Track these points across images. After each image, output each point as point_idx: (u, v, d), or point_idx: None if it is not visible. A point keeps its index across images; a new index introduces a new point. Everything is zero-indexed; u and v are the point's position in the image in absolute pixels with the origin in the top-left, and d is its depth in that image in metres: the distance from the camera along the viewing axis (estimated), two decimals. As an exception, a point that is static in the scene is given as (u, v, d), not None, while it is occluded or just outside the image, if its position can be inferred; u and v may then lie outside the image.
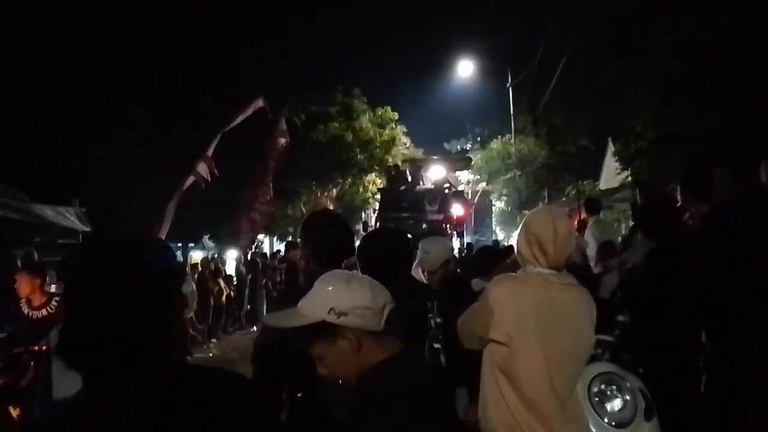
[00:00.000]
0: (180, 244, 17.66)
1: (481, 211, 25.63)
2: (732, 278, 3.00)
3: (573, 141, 20.50)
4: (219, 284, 13.18)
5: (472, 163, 21.83)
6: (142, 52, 20.26)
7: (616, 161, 14.76)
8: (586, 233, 7.71)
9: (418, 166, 17.86)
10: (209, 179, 11.13)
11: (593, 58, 15.93)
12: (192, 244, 18.86)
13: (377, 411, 1.48)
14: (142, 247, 1.24)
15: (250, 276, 14.19)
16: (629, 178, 13.86)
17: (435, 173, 17.33)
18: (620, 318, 3.95)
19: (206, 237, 19.46)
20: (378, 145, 20.04)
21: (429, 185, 16.55)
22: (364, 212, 21.39)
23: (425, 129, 28.53)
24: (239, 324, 14.21)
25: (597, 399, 3.37)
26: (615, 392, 3.39)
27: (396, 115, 21.21)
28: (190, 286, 7.74)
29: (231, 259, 15.59)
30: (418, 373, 1.60)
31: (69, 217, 8.89)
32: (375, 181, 20.23)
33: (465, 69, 21.13)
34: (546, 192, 19.20)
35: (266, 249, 20.77)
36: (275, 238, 21.62)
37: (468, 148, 23.77)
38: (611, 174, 16.93)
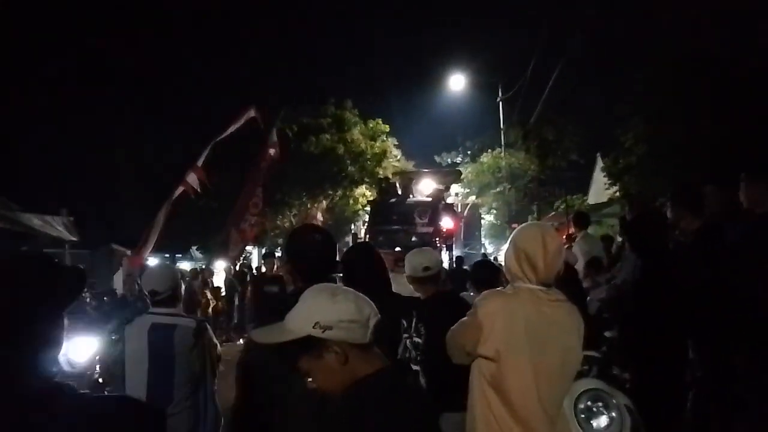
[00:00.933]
0: (168, 255, 17.55)
1: (471, 225, 25.66)
2: (722, 292, 3.02)
3: (563, 155, 20.65)
4: (206, 296, 13.07)
5: (463, 176, 21.90)
6: (133, 61, 20.24)
7: (605, 176, 14.88)
8: (575, 248, 7.73)
9: (408, 178, 17.87)
10: (199, 189, 11.09)
11: (584, 74, 16.13)
12: (179, 255, 18.73)
13: (363, 425, 1.47)
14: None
15: (239, 288, 14.10)
16: (618, 193, 13.97)
17: (425, 186, 17.36)
18: (608, 334, 3.96)
19: (194, 248, 19.34)
20: (369, 157, 20.06)
21: (420, 198, 16.57)
22: (354, 224, 21.36)
23: (416, 142, 28.66)
24: (226, 336, 14.11)
25: (584, 415, 3.37)
26: (602, 409, 3.39)
27: (387, 128, 21.28)
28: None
29: (219, 271, 15.49)
30: (405, 388, 1.59)
31: (57, 227, 8.78)
32: (365, 194, 20.23)
33: (456, 82, 21.28)
34: (536, 206, 19.28)
35: (255, 261, 20.67)
36: (264, 250, 21.52)
37: (458, 162, 23.86)
38: (600, 189, 17.08)
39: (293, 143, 18.04)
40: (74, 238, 9.19)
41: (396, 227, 14.34)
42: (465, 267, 10.56)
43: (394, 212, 15.19)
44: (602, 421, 3.36)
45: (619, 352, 3.78)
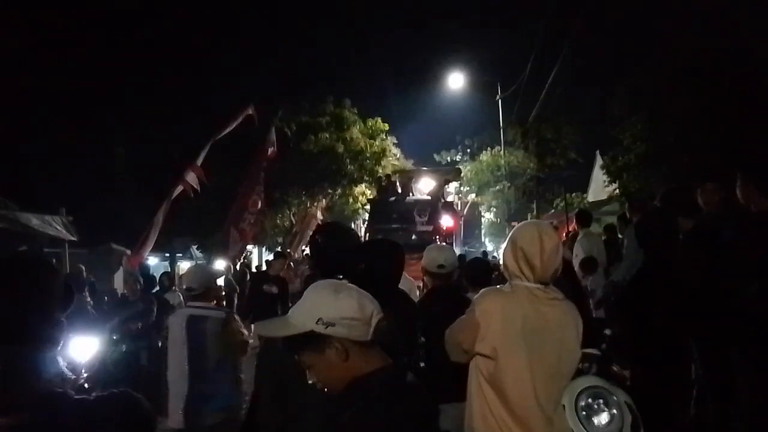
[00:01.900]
0: (168, 254, 17.54)
1: (471, 223, 25.68)
2: (717, 292, 3.02)
3: (562, 154, 20.66)
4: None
5: (462, 174, 21.92)
6: (131, 60, 20.22)
7: (604, 174, 14.88)
8: (576, 246, 7.73)
9: (408, 177, 17.88)
10: (198, 188, 11.08)
11: (582, 73, 16.13)
12: (180, 255, 18.72)
13: (361, 423, 1.48)
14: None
15: (238, 288, 14.07)
16: (617, 191, 13.96)
17: (425, 184, 17.36)
18: (607, 332, 3.96)
19: (194, 247, 19.32)
20: (368, 156, 20.06)
21: (420, 196, 16.57)
22: (354, 223, 21.36)
23: (415, 140, 28.62)
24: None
25: (584, 413, 3.37)
26: (602, 406, 3.40)
27: (386, 126, 21.28)
28: (177, 298, 7.68)
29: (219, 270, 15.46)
30: (405, 388, 1.60)
31: (56, 226, 8.77)
32: (365, 192, 20.23)
33: (455, 81, 21.29)
34: (535, 204, 19.30)
35: (255, 259, 20.67)
36: (264, 249, 21.52)
37: (458, 160, 23.87)
38: (599, 187, 17.07)
39: (292, 142, 18.04)
40: (73, 238, 9.19)
41: (395, 226, 14.33)
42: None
43: (394, 211, 15.19)
44: (603, 418, 3.37)
45: (619, 350, 3.78)
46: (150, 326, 6.86)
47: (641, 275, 3.65)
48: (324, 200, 20.05)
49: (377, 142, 20.69)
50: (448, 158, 23.90)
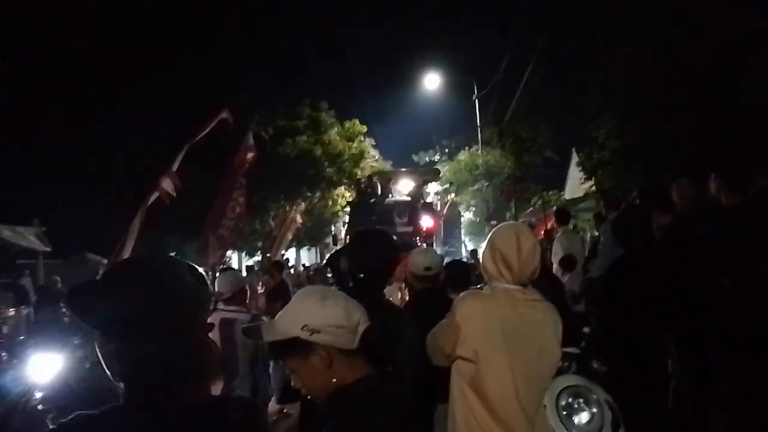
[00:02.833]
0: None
1: (450, 223, 25.73)
2: (690, 286, 3.07)
3: (538, 152, 20.85)
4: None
5: (441, 174, 22.00)
6: (102, 66, 19.90)
7: (580, 171, 15.05)
8: (555, 243, 7.82)
9: (386, 178, 17.88)
10: (174, 194, 10.93)
11: (555, 71, 16.30)
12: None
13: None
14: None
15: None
16: (593, 188, 14.14)
17: (404, 185, 17.38)
18: (585, 329, 4.00)
19: (172, 254, 19.08)
20: (347, 158, 20.03)
21: (399, 197, 16.58)
22: (334, 226, 21.30)
23: (393, 142, 28.70)
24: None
25: (565, 412, 3.40)
26: (582, 405, 3.43)
27: (364, 128, 21.27)
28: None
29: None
30: (390, 398, 1.58)
31: (28, 237, 8.64)
32: (344, 195, 20.19)
33: (431, 82, 21.35)
34: (513, 202, 19.44)
35: (234, 264, 20.48)
36: (243, 254, 21.35)
37: (436, 160, 23.96)
38: (576, 184, 17.28)
39: (269, 146, 17.92)
40: (47, 248, 9.05)
41: (376, 227, 14.32)
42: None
43: (374, 212, 15.18)
44: (583, 417, 3.40)
45: (598, 348, 3.82)
46: None
47: (615, 269, 3.70)
48: (303, 204, 19.96)
49: (355, 144, 20.67)
50: (427, 159, 23.94)
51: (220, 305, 4.14)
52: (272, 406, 5.72)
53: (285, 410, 6.48)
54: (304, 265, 23.56)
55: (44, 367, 4.29)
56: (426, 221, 14.97)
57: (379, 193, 16.59)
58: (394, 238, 13.76)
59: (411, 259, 3.63)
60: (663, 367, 3.48)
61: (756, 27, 9.35)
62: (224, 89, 18.93)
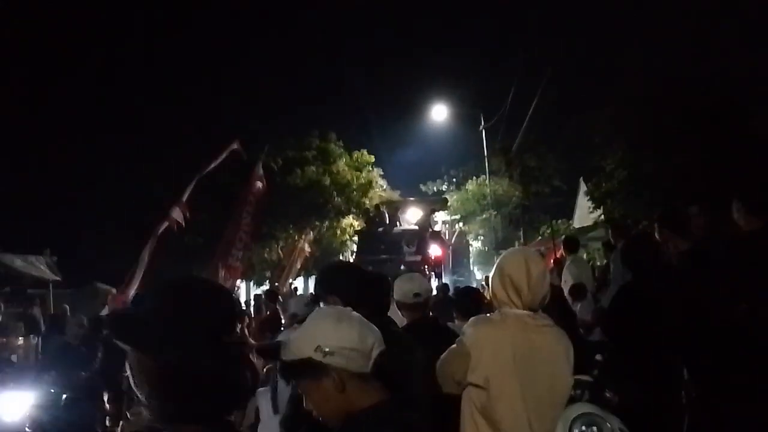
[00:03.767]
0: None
1: (459, 252, 25.66)
2: (710, 314, 3.04)
3: (546, 181, 20.86)
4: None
5: (449, 204, 22.02)
6: (113, 98, 20.29)
7: (588, 201, 15.02)
8: (564, 272, 7.74)
9: (395, 207, 17.92)
10: (184, 224, 11.03)
11: (563, 101, 16.43)
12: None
13: None
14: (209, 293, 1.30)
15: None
16: (602, 217, 14.09)
17: (412, 215, 17.40)
18: (598, 357, 3.95)
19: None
20: (355, 188, 20.14)
21: (407, 226, 16.58)
22: (342, 255, 21.28)
23: (401, 171, 28.78)
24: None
25: (578, 441, 3.34)
26: (596, 433, 3.37)
27: (372, 158, 21.42)
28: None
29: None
30: (403, 425, 1.54)
31: (39, 267, 8.70)
32: (352, 224, 20.23)
33: (439, 113, 21.51)
34: (521, 232, 19.39)
35: (243, 295, 20.45)
36: (252, 283, 21.32)
37: (444, 190, 24.01)
38: (584, 213, 17.22)
39: (278, 176, 18.08)
40: (57, 278, 9.10)
41: (384, 257, 14.29)
42: (451, 295, 10.49)
43: (382, 242, 15.17)
44: (597, 445, 3.34)
45: (611, 376, 3.76)
46: (95, 375, 5.87)
47: (622, 296, 3.67)
48: (312, 233, 20.01)
49: (363, 174, 20.81)
50: (434, 188, 24.03)
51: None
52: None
53: None
54: (311, 294, 23.45)
55: (12, 406, 3.99)
56: (434, 250, 14.94)
57: (387, 222, 16.61)
58: (402, 267, 13.68)
59: (398, 287, 3.37)
60: (677, 397, 3.42)
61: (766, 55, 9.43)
62: (234, 120, 19.23)
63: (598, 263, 12.40)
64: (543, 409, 2.25)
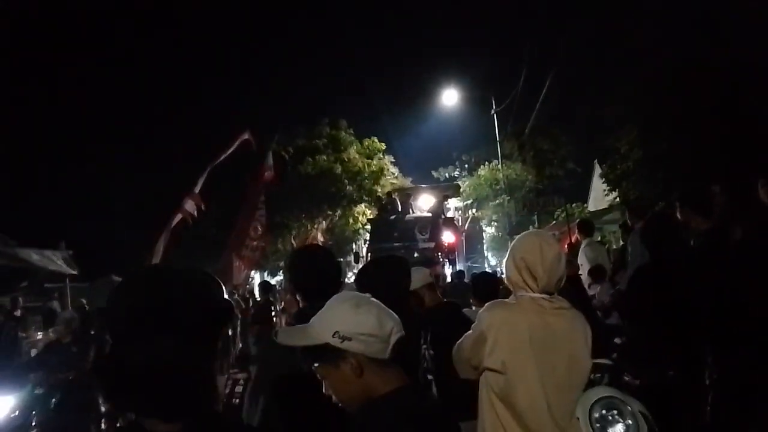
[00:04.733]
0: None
1: (472, 238, 25.57)
2: (732, 293, 2.97)
3: (560, 164, 20.68)
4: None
5: (461, 189, 21.92)
6: (126, 92, 20.40)
7: (603, 183, 14.87)
8: (580, 255, 7.67)
9: (407, 194, 17.88)
10: (197, 216, 11.06)
11: (575, 82, 16.22)
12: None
13: None
14: (191, 283, 1.25)
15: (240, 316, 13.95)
16: (617, 199, 13.95)
17: (424, 201, 17.34)
18: (617, 340, 3.89)
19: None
20: (366, 175, 20.13)
21: (420, 213, 16.54)
22: (355, 243, 21.33)
23: (412, 158, 28.77)
24: (227, 364, 13.90)
25: (599, 425, 3.29)
26: (616, 417, 3.31)
27: (383, 146, 21.38)
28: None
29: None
30: (422, 411, 1.54)
31: (56, 261, 8.77)
32: (364, 212, 20.24)
33: (449, 98, 21.34)
34: (536, 216, 19.28)
35: (256, 284, 20.59)
36: (266, 273, 21.46)
37: (456, 176, 23.90)
38: (599, 196, 17.07)
39: (290, 165, 18.11)
40: (74, 272, 9.17)
41: (397, 244, 14.28)
42: (466, 281, 10.46)
43: (395, 229, 15.16)
44: (618, 429, 3.29)
45: (631, 359, 3.71)
46: (86, 374, 5.38)
47: (639, 276, 3.61)
48: (324, 222, 20.06)
49: (375, 162, 20.79)
50: (446, 174, 23.94)
51: None
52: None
53: None
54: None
55: None
56: (447, 237, 14.90)
57: (400, 209, 16.58)
58: (416, 254, 13.67)
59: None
60: (699, 379, 3.36)
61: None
62: (244, 110, 19.27)
63: (614, 246, 12.29)
64: (562, 393, 2.22)
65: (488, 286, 3.95)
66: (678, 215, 3.81)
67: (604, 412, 3.33)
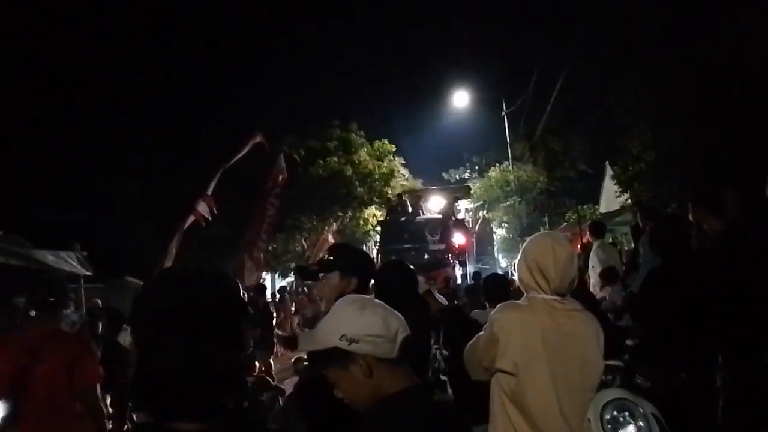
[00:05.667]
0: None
1: (483, 240, 25.52)
2: (746, 298, 2.96)
3: (571, 166, 20.59)
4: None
5: (472, 191, 21.88)
6: (140, 94, 20.58)
7: (615, 184, 14.79)
8: (591, 256, 7.65)
9: (417, 196, 17.88)
10: (210, 218, 11.16)
11: (587, 83, 16.14)
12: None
13: None
14: (212, 284, 1.25)
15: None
16: (629, 201, 13.86)
17: (435, 203, 17.33)
18: (629, 342, 3.89)
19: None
20: (377, 177, 20.15)
21: (430, 215, 16.53)
22: (365, 245, 21.35)
23: (423, 160, 28.71)
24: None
25: (610, 426, 3.30)
26: (628, 418, 3.32)
27: (393, 148, 21.38)
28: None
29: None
30: (432, 409, 1.56)
31: (70, 262, 8.84)
32: (375, 214, 20.26)
33: (460, 99, 21.31)
34: (547, 218, 19.20)
35: (268, 286, 20.67)
36: (277, 275, 21.54)
37: (466, 177, 23.85)
38: (611, 197, 16.97)
39: (301, 167, 18.18)
40: (88, 273, 9.26)
41: (408, 246, 14.29)
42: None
43: (405, 231, 15.16)
44: (629, 430, 3.29)
45: (642, 361, 3.71)
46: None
47: (652, 277, 3.60)
48: (335, 224, 20.11)
49: (385, 164, 20.80)
50: (457, 176, 23.90)
51: None
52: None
53: None
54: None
55: None
56: (458, 238, 14.89)
57: (410, 211, 16.58)
58: (426, 256, 13.67)
59: None
60: (711, 381, 3.35)
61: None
62: (256, 113, 19.37)
63: (626, 248, 12.22)
64: (574, 395, 2.22)
65: (498, 288, 3.96)
66: (690, 216, 3.80)
67: (615, 413, 3.34)
